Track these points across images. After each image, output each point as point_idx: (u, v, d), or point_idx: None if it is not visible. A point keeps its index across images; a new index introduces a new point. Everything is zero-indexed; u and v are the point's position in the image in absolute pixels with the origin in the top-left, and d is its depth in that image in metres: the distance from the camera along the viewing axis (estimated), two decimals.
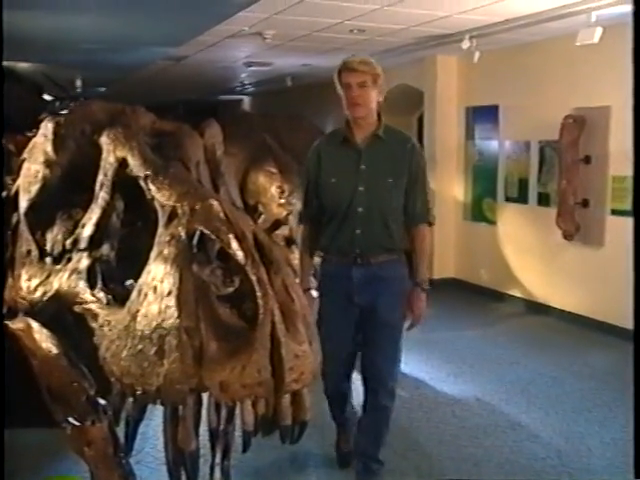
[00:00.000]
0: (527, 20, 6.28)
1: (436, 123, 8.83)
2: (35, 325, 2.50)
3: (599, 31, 5.82)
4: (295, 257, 5.27)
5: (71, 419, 2.46)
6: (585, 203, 6.95)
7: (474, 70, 8.14)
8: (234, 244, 1.92)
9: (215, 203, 2.03)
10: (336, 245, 3.55)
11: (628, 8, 5.33)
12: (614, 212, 6.65)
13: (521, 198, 7.94)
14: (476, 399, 5.10)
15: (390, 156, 3.53)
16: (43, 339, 2.48)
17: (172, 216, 2.12)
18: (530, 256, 7.89)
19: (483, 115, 8.51)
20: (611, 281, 6.57)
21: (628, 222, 6.22)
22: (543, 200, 7.63)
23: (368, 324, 3.59)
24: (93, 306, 2.34)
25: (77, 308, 2.39)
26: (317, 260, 3.75)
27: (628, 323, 5.75)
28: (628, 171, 6.24)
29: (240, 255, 1.91)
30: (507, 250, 8.23)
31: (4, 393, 2.49)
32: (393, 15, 6.04)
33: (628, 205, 6.33)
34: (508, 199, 8.17)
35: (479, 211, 8.65)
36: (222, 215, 1.99)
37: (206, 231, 2.00)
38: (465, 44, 6.93)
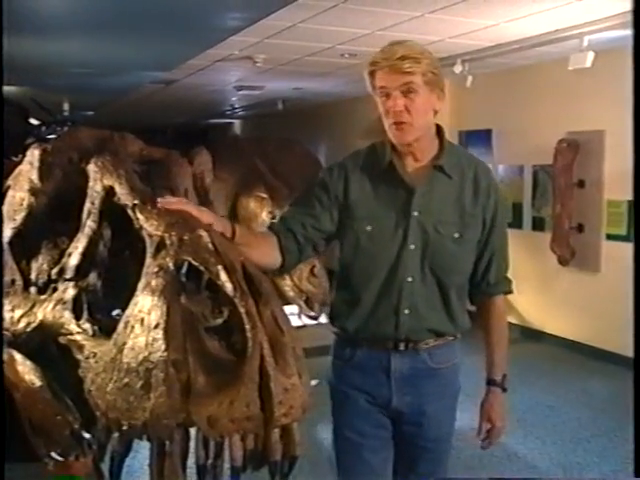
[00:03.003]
0: (519, 44, 6.30)
1: None
2: (18, 356, 2.44)
3: (591, 55, 5.84)
4: (286, 283, 5.23)
5: (54, 453, 2.39)
6: (580, 228, 6.95)
7: (467, 94, 8.16)
8: (223, 276, 1.88)
9: (204, 234, 1.99)
10: (369, 330, 2.46)
11: (619, 33, 5.36)
12: (609, 237, 6.64)
13: (515, 223, 7.93)
14: (472, 429, 5.02)
15: (457, 198, 2.45)
16: (26, 371, 2.42)
17: (160, 246, 2.07)
18: (525, 282, 7.84)
19: (476, 139, 8.53)
20: (607, 307, 6.54)
21: (623, 247, 6.20)
22: (537, 225, 7.62)
23: (406, 442, 2.56)
24: (79, 337, 2.29)
25: (62, 339, 2.34)
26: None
27: (625, 350, 5.73)
28: (623, 195, 6.23)
29: (229, 287, 1.86)
30: None
31: (5, 425, 2.43)
32: (384, 39, 6.01)
33: (623, 230, 6.31)
34: None
35: None
36: (211, 246, 1.95)
37: (194, 262, 1.96)
38: (457, 68, 6.96)
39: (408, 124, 2.32)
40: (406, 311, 2.41)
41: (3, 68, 3.48)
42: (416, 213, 2.39)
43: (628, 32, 5.04)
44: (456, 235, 2.42)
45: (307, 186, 2.57)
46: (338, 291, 2.59)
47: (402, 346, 2.45)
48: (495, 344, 2.67)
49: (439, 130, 2.48)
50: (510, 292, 2.68)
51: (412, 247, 2.39)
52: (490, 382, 2.68)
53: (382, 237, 2.41)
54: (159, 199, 2.15)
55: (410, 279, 2.40)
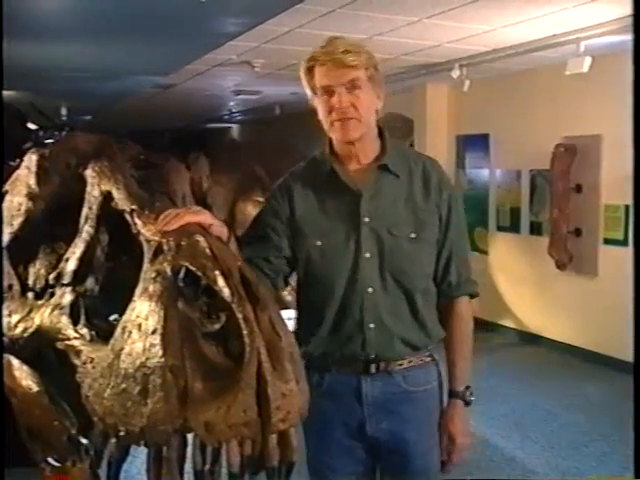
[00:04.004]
0: (517, 49, 6.31)
1: (426, 151, 8.82)
2: (15, 362, 2.43)
3: (588, 60, 5.85)
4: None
5: (51, 459, 2.39)
6: (578, 232, 6.96)
7: (464, 99, 8.17)
8: (220, 281, 1.88)
9: (201, 239, 1.98)
10: (335, 351, 2.29)
11: (616, 38, 5.37)
12: (607, 241, 6.64)
13: (513, 227, 7.94)
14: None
15: (407, 196, 2.29)
16: (23, 376, 2.42)
17: (158, 252, 2.07)
18: (523, 286, 7.85)
19: (474, 144, 8.53)
20: (605, 311, 6.54)
21: (621, 251, 6.20)
22: (535, 229, 7.63)
23: (387, 472, 2.37)
24: (76, 342, 2.28)
25: (59, 344, 2.33)
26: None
27: (623, 354, 5.74)
28: (620, 200, 6.24)
29: (226, 292, 1.86)
30: (499, 280, 8.20)
31: (4, 430, 2.43)
32: (382, 44, 6.06)
33: (621, 234, 6.32)
34: (500, 228, 8.16)
35: (470, 241, 8.57)
36: (208, 251, 1.95)
37: (192, 268, 1.96)
38: (455, 73, 6.97)
39: (355, 119, 2.21)
40: (371, 325, 2.24)
41: (2, 72, 3.48)
42: (367, 219, 2.25)
43: (624, 37, 5.07)
44: (412, 235, 2.26)
45: (257, 216, 2.46)
46: (300, 314, 2.42)
47: (373, 368, 2.27)
48: (457, 352, 2.40)
49: (381, 132, 2.38)
50: (475, 295, 2.45)
51: (368, 255, 2.24)
52: (451, 394, 2.38)
53: (334, 250, 2.26)
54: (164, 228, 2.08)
55: (370, 290, 2.24)
